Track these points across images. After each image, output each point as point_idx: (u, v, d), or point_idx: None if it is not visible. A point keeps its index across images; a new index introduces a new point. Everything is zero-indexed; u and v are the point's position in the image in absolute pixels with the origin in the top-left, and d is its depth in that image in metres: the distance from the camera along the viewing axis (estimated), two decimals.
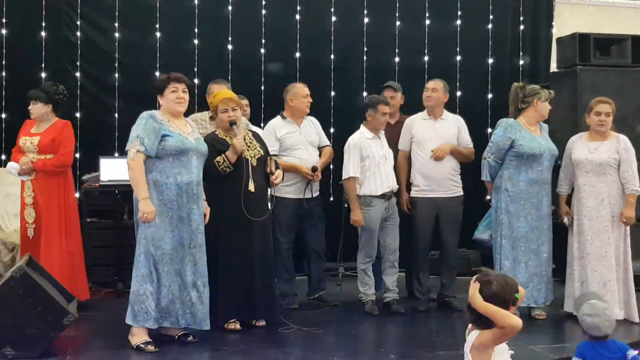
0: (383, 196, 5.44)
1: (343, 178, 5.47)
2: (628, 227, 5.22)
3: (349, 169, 5.41)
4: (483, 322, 2.84)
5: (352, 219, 5.41)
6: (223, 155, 4.80)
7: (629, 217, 5.13)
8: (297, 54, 7.02)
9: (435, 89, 5.64)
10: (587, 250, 5.19)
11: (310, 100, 5.70)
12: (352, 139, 5.49)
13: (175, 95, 4.54)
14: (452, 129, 5.63)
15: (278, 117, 5.75)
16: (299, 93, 5.66)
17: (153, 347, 4.36)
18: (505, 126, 5.28)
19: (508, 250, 5.26)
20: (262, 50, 6.95)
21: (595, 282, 5.14)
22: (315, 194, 5.69)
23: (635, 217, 5.23)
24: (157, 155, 4.41)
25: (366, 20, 7.21)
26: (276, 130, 5.62)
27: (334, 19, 7.10)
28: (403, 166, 5.66)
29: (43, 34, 6.49)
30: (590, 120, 5.26)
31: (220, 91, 5.10)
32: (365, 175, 5.41)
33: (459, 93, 7.25)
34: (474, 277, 2.92)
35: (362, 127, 5.55)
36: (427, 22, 7.32)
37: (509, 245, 5.26)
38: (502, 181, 5.29)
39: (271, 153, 5.30)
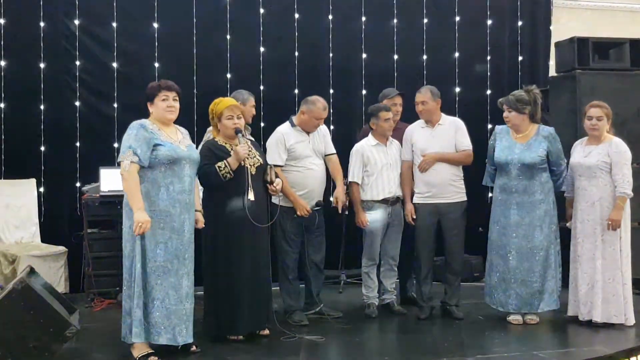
0: (385, 201, 5.54)
1: (347, 181, 5.60)
2: (621, 230, 5.13)
3: (350, 174, 5.59)
4: None
5: (357, 220, 5.55)
6: (225, 161, 4.74)
7: (613, 220, 5.11)
8: (296, 54, 7.04)
9: (424, 102, 5.55)
10: (578, 252, 5.27)
11: (322, 123, 5.47)
12: (356, 146, 5.64)
13: (166, 104, 4.50)
14: (450, 133, 5.60)
15: (287, 124, 5.47)
16: (315, 113, 5.35)
17: (156, 359, 4.35)
18: (493, 134, 5.49)
19: (488, 254, 5.46)
20: (261, 50, 6.96)
21: (584, 284, 5.20)
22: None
23: (625, 220, 5.19)
24: (149, 165, 4.35)
25: (364, 19, 7.22)
26: (285, 138, 5.35)
27: (331, 17, 7.13)
28: (407, 176, 5.61)
29: (42, 44, 6.51)
30: (584, 125, 5.30)
31: (224, 98, 5.01)
32: (368, 180, 5.54)
33: (457, 89, 7.29)
34: None
35: (370, 134, 5.64)
36: (425, 20, 7.39)
37: (489, 249, 5.45)
38: None
39: (277, 164, 5.22)
